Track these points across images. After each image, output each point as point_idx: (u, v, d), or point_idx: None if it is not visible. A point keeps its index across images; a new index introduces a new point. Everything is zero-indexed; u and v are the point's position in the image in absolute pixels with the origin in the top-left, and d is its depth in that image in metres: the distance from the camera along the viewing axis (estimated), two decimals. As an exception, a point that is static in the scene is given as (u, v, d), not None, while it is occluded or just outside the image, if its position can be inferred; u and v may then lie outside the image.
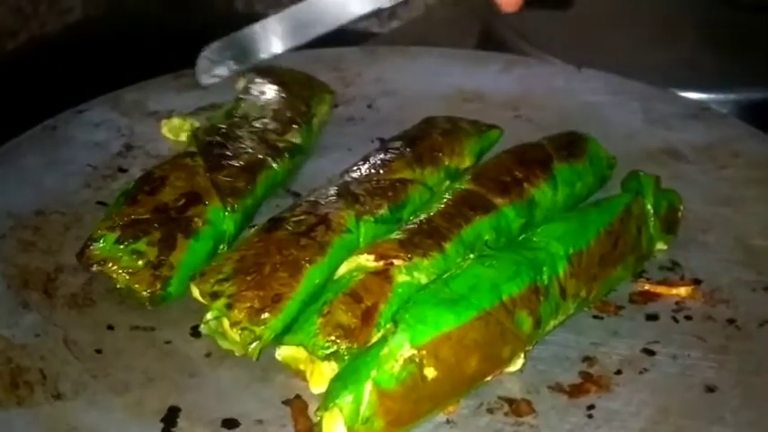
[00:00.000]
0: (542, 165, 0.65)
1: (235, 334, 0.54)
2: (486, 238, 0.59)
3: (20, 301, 0.59)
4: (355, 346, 0.52)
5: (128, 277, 0.58)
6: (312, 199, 0.62)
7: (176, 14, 1.56)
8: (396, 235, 0.58)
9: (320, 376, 0.52)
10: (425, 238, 0.57)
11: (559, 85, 0.87)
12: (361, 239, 0.60)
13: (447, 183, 0.67)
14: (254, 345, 0.53)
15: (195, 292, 0.57)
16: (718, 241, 0.65)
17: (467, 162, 0.69)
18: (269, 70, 0.77)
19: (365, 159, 0.67)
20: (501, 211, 0.61)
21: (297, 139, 0.70)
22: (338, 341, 0.51)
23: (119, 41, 1.43)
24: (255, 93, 0.73)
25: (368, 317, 0.53)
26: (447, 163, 0.68)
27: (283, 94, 0.73)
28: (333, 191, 0.62)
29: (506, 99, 0.84)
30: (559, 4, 1.08)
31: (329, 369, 0.52)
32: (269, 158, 0.66)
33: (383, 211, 0.61)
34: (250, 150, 0.66)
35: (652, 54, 0.97)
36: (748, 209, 0.69)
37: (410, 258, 0.55)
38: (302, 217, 0.59)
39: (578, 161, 0.67)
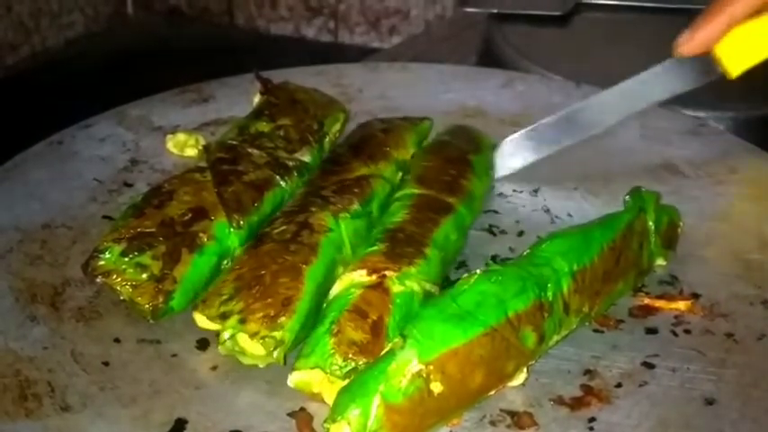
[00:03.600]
0: (464, 160, 0.70)
1: (256, 345, 0.54)
2: (453, 237, 0.62)
3: (27, 314, 0.60)
4: (372, 360, 0.52)
5: (131, 290, 0.58)
6: (287, 210, 0.64)
7: (177, 29, 1.57)
8: (377, 247, 0.59)
9: None
10: (406, 247, 0.59)
11: (559, 101, 0.87)
12: (344, 236, 0.61)
13: (399, 174, 0.70)
14: (277, 351, 0.54)
15: (201, 321, 0.57)
16: (717, 256, 0.66)
17: (411, 153, 0.73)
18: (283, 87, 0.77)
19: (322, 168, 0.69)
20: (457, 209, 0.64)
21: (307, 158, 0.70)
22: (355, 358, 0.52)
23: (120, 56, 1.44)
24: (269, 110, 0.74)
25: (377, 330, 0.54)
26: (395, 156, 0.71)
27: (296, 113, 0.74)
28: (304, 199, 0.64)
29: (507, 115, 0.85)
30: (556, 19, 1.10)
31: None
32: (277, 177, 0.67)
33: (356, 207, 0.64)
34: (259, 168, 0.67)
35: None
36: (746, 224, 0.70)
37: (399, 269, 0.57)
38: (283, 227, 0.61)
39: (482, 151, 0.72)
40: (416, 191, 0.66)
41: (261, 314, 0.55)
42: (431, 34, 1.31)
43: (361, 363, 0.52)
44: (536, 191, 0.72)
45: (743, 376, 0.55)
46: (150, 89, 0.88)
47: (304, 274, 0.57)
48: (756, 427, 0.52)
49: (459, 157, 0.70)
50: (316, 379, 0.53)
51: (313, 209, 0.62)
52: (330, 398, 0.53)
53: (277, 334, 0.54)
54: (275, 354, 0.54)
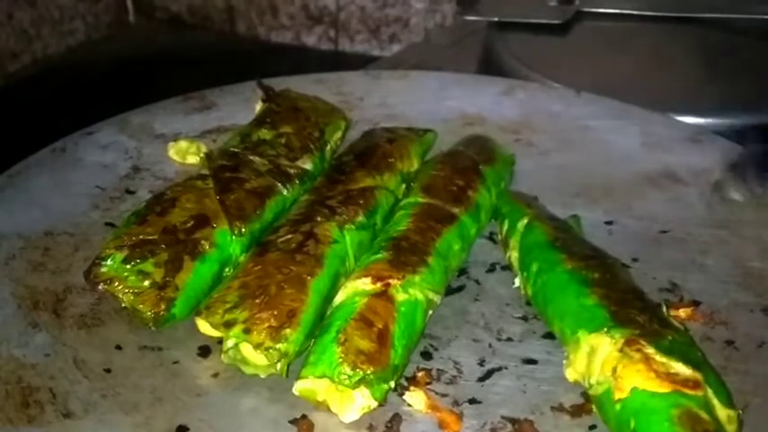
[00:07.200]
0: (474, 171, 0.69)
1: (259, 356, 0.54)
2: (456, 247, 0.63)
3: (30, 321, 0.60)
4: (380, 369, 0.52)
5: (133, 297, 0.58)
6: (292, 219, 0.63)
7: (178, 37, 1.57)
8: (381, 255, 0.59)
9: (351, 403, 0.53)
10: (410, 256, 0.59)
11: (559, 109, 0.88)
12: (348, 248, 0.62)
13: (403, 186, 0.70)
14: (280, 362, 0.54)
15: (203, 327, 0.57)
16: (717, 263, 0.67)
17: (415, 165, 0.73)
18: (285, 95, 0.78)
19: (327, 176, 0.69)
20: (461, 219, 0.64)
21: (308, 166, 0.71)
22: (363, 367, 0.52)
23: (121, 64, 1.44)
24: (271, 118, 0.74)
25: (383, 339, 0.54)
26: (400, 167, 0.71)
27: (298, 120, 0.74)
28: (309, 208, 0.64)
29: (507, 123, 0.85)
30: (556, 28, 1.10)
31: (360, 396, 0.52)
32: (279, 184, 0.67)
33: (360, 218, 0.64)
34: (261, 175, 0.67)
35: (651, 79, 0.99)
36: (745, 232, 0.70)
37: (403, 277, 0.57)
38: (288, 236, 0.61)
39: (496, 163, 0.72)
40: (421, 200, 0.66)
41: (266, 325, 0.54)
42: (431, 42, 1.32)
43: (369, 372, 0.52)
44: (536, 198, 0.72)
45: (743, 384, 0.55)
46: (151, 96, 0.88)
47: (309, 286, 0.57)
48: (756, 435, 0.52)
49: (469, 167, 0.70)
50: (322, 387, 0.53)
51: (318, 218, 0.62)
52: (336, 406, 0.53)
53: (281, 346, 0.54)
54: (278, 365, 0.54)
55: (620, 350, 0.51)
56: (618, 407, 0.50)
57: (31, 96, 1.33)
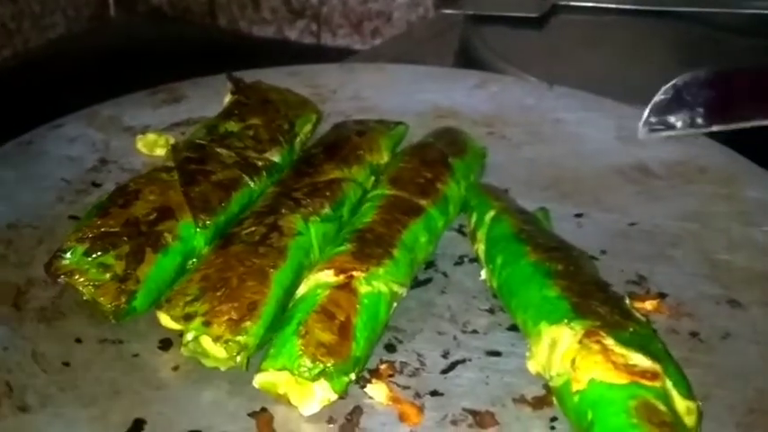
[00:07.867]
0: (443, 163, 0.69)
1: (219, 348, 0.54)
2: (423, 239, 0.62)
3: (-11, 314, 0.59)
4: (340, 361, 0.52)
5: (93, 290, 0.57)
6: (257, 211, 0.63)
7: (159, 30, 1.57)
8: (345, 247, 0.59)
9: (311, 396, 0.52)
10: (375, 248, 0.59)
11: (532, 102, 0.87)
12: (313, 240, 0.61)
13: (372, 179, 0.70)
14: (240, 355, 0.53)
15: (164, 320, 0.57)
16: (685, 256, 0.66)
17: (385, 157, 0.72)
18: (255, 87, 0.77)
19: (294, 168, 0.68)
20: (428, 212, 0.64)
21: (276, 158, 0.70)
22: (323, 359, 0.52)
23: (102, 57, 1.43)
24: (239, 110, 0.73)
25: (344, 331, 0.53)
26: (369, 159, 0.70)
27: (267, 113, 0.73)
28: (274, 200, 0.63)
29: (480, 116, 0.85)
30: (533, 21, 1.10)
31: (320, 388, 0.52)
32: (246, 176, 0.66)
33: (326, 210, 0.63)
34: (228, 167, 0.66)
35: (627, 73, 0.98)
36: (714, 224, 0.70)
37: (367, 269, 0.57)
38: (252, 228, 0.60)
39: (466, 155, 0.72)
40: (388, 192, 0.66)
41: (225, 317, 0.54)
42: (412, 36, 1.31)
43: (329, 364, 0.51)
44: (506, 191, 0.72)
45: (706, 375, 0.55)
46: (132, 90, 0.87)
47: (271, 278, 0.57)
48: (719, 427, 0.52)
49: (437, 159, 0.69)
50: (282, 380, 0.53)
51: (283, 210, 0.62)
52: (296, 399, 0.53)
53: (241, 339, 0.53)
54: (238, 358, 0.54)
55: (580, 341, 0.51)
56: (576, 398, 0.50)
57: (11, 90, 1.32)
